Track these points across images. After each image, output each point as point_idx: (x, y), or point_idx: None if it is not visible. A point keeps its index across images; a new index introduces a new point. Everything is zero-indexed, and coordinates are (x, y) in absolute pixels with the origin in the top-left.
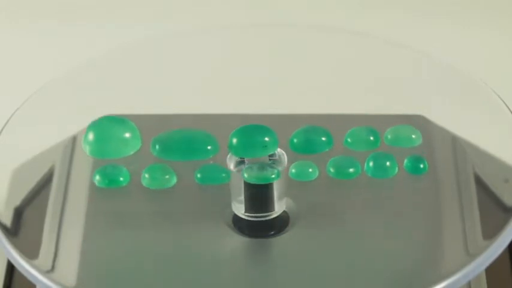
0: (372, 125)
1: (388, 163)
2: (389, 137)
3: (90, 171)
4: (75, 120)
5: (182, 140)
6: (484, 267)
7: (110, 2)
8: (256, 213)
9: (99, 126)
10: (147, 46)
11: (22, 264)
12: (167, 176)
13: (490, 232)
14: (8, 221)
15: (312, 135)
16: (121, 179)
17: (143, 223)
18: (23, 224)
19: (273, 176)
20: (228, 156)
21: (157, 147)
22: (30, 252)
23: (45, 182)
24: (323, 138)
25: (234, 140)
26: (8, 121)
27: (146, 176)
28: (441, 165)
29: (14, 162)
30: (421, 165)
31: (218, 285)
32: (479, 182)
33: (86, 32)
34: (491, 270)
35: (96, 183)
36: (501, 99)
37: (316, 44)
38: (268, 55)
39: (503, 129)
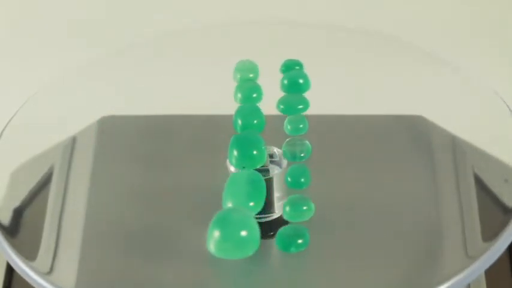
0: (372, 125)
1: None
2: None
3: (90, 171)
4: (75, 120)
5: None
6: (483, 269)
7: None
8: (257, 214)
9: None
10: (147, 46)
11: (21, 266)
12: None
13: (490, 233)
14: (7, 221)
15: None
16: None
17: (142, 227)
18: (22, 225)
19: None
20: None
21: None
22: (29, 254)
23: (45, 183)
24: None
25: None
26: (8, 122)
27: None
28: (441, 165)
29: (14, 162)
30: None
31: (218, 285)
32: (479, 182)
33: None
34: (491, 272)
35: None
36: (502, 99)
37: (315, 43)
38: (268, 54)
39: (503, 129)
